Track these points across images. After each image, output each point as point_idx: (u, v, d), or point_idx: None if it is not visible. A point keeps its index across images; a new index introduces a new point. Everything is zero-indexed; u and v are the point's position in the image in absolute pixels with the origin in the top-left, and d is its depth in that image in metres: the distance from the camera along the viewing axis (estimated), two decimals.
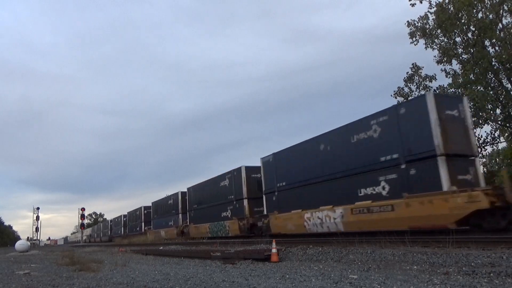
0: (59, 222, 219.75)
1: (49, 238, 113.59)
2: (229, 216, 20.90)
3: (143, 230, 39.51)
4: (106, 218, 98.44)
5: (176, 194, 30.45)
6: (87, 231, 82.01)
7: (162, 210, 34.09)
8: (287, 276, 7.26)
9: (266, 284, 6.55)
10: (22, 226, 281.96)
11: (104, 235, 63.16)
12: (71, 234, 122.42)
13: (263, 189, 17.62)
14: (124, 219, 49.39)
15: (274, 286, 6.30)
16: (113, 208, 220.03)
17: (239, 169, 20.41)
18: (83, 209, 51.54)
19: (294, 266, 8.80)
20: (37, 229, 56.99)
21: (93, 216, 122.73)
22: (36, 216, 56.29)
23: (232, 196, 20.79)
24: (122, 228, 49.83)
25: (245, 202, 19.68)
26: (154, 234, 34.37)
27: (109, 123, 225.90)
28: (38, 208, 56.94)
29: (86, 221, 78.95)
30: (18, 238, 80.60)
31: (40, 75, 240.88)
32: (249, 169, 20.14)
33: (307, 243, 12.10)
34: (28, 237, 65.77)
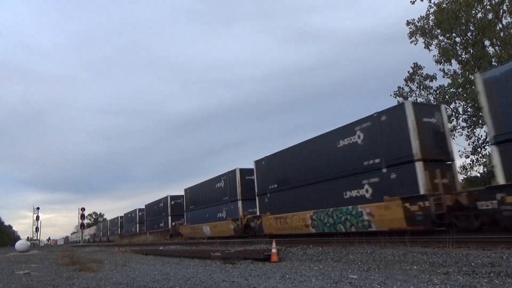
0: (59, 222, 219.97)
1: (49, 238, 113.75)
2: (367, 196, 12.82)
3: (169, 225, 32.58)
4: (106, 218, 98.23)
5: (232, 172, 21.86)
6: (91, 230, 78.96)
7: (204, 198, 25.94)
8: (287, 276, 7.26)
9: (266, 284, 6.55)
10: (22, 226, 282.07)
11: (112, 234, 56.72)
12: (71, 234, 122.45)
13: (492, 134, 9.70)
14: (140, 213, 42.67)
15: (274, 286, 6.30)
16: (113, 208, 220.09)
17: (399, 108, 12.10)
18: (83, 209, 51.58)
19: (294, 266, 8.80)
20: (37, 229, 57.09)
21: (93, 216, 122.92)
22: (36, 216, 56.42)
23: (377, 160, 12.45)
24: (137, 224, 43.11)
25: (418, 166, 11.09)
26: (190, 230, 27.19)
27: (109, 123, 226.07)
28: (38, 208, 57.10)
29: (86, 221, 78.79)
30: (18, 238, 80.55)
31: (40, 75, 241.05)
32: (420, 109, 11.89)
33: (307, 243, 12.11)
34: (28, 237, 65.77)
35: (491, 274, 5.87)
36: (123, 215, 53.14)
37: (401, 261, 7.86)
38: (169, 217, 33.16)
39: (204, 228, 24.87)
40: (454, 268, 6.62)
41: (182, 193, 30.54)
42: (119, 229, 53.44)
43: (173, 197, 33.38)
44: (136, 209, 44.76)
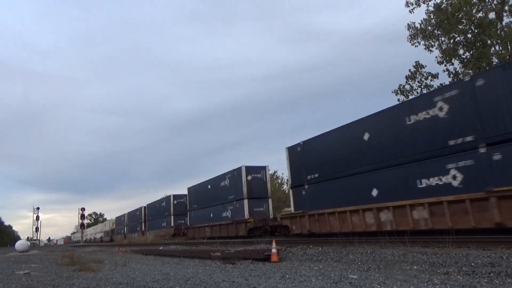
0: (59, 222, 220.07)
1: (49, 238, 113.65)
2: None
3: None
4: (106, 218, 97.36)
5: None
6: (105, 225, 67.48)
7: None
8: (287, 276, 7.25)
9: (266, 284, 6.55)
10: (22, 226, 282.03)
11: (157, 226, 34.74)
12: (72, 233, 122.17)
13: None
14: (208, 188, 24.73)
15: (274, 286, 6.29)
16: (113, 208, 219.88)
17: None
18: (83, 209, 51.52)
19: (294, 266, 8.80)
20: (37, 229, 57.00)
21: (93, 216, 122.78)
22: (36, 216, 56.32)
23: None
24: (207, 213, 24.29)
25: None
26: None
27: (109, 123, 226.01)
28: (38, 208, 56.97)
29: (86, 221, 78.24)
30: (18, 238, 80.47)
31: (40, 75, 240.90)
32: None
33: (307, 243, 12.11)
34: (28, 237, 65.67)
35: (491, 274, 5.86)
36: (171, 195, 33.02)
37: (401, 261, 7.85)
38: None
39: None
40: (454, 268, 6.61)
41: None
42: (171, 217, 31.75)
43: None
44: (200, 182, 26.65)
